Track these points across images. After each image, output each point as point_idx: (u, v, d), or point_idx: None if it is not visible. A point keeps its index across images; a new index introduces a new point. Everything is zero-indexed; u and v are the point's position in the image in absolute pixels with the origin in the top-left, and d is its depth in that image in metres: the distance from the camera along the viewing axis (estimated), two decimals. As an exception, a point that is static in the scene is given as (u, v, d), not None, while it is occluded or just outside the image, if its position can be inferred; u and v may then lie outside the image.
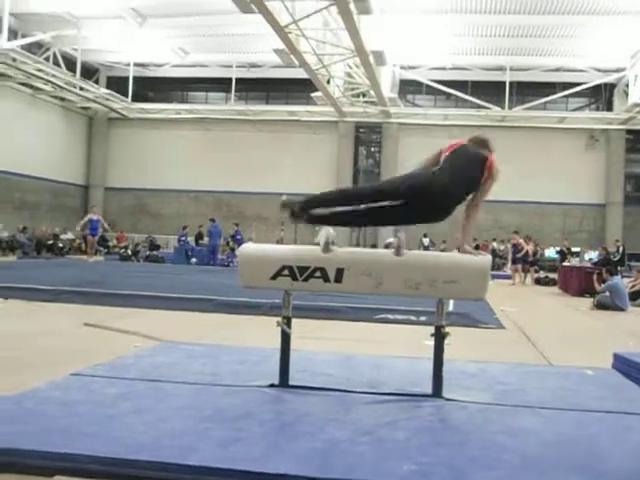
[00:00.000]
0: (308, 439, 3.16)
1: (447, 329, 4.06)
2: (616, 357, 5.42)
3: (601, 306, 12.80)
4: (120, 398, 3.79)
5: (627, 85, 27.14)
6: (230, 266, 21.90)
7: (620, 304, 12.73)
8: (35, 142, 27.85)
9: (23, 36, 25.26)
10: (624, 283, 13.86)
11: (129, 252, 25.63)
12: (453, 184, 3.91)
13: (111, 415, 3.43)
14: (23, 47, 24.42)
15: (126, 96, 29.59)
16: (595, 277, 14.61)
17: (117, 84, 30.84)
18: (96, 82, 30.79)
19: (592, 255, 22.80)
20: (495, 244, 27.58)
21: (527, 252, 20.22)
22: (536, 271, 21.66)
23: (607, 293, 13.08)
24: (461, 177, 3.99)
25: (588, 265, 17.99)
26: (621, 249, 20.37)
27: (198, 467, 2.77)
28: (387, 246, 4.09)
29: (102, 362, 4.84)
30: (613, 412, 3.86)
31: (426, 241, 27.87)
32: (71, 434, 3.09)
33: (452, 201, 3.94)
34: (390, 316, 9.31)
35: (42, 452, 2.84)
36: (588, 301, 13.66)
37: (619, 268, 17.08)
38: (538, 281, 20.72)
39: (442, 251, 23.12)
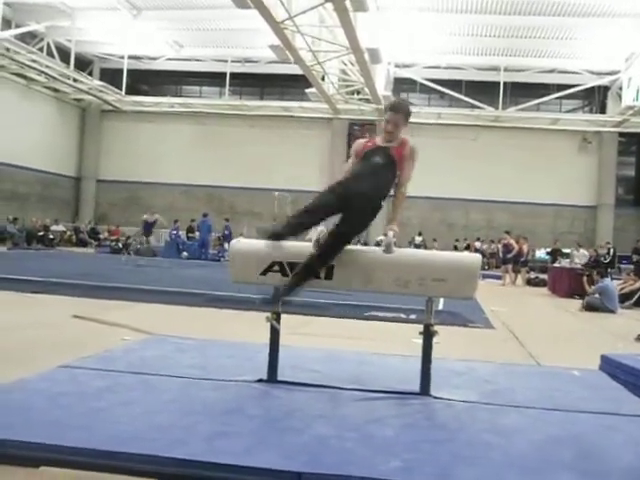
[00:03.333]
0: (295, 434, 3.17)
1: (436, 328, 4.07)
2: (603, 359, 5.45)
3: (590, 308, 12.84)
4: (108, 391, 3.79)
5: (620, 88, 27.26)
6: (221, 261, 21.90)
7: (610, 306, 12.77)
8: (28, 133, 27.73)
9: (17, 26, 25.16)
10: (614, 285, 13.91)
11: (120, 245, 25.57)
12: None
13: (98, 407, 3.43)
14: (17, 37, 24.39)
15: (120, 88, 29.51)
16: (585, 279, 14.66)
17: (111, 76, 30.75)
18: (90, 74, 30.69)
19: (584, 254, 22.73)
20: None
21: (519, 252, 20.24)
22: (527, 272, 21.72)
23: (597, 295, 13.12)
24: None
25: (578, 266, 18.04)
26: (612, 251, 20.46)
27: (185, 460, 2.78)
28: (378, 244, 4.11)
29: (90, 354, 4.83)
30: (599, 412, 3.88)
31: (418, 239, 27.94)
32: (58, 426, 3.08)
33: None
34: (380, 314, 9.34)
35: (28, 443, 2.84)
36: (577, 302, 13.71)
37: (609, 270, 17.16)
38: (529, 282, 20.77)
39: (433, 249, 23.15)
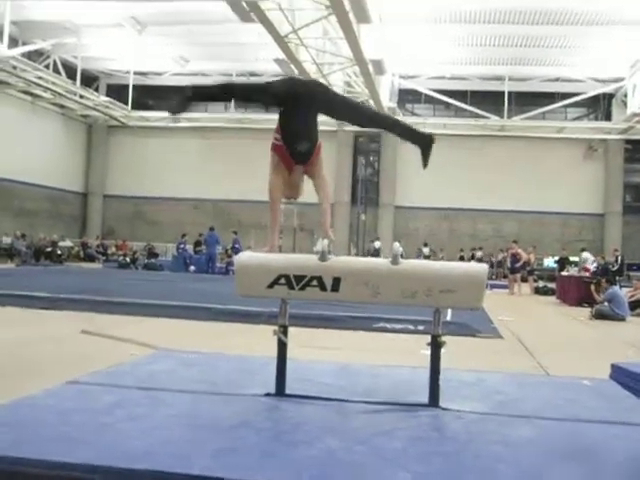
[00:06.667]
0: (304, 448, 3.15)
1: (444, 338, 4.05)
2: (613, 367, 5.41)
3: (600, 316, 12.78)
4: (116, 406, 3.78)
5: (625, 95, 27.25)
6: (230, 274, 21.89)
7: (621, 312, 12.71)
8: (35, 149, 27.89)
9: (23, 44, 25.33)
10: (624, 292, 13.86)
11: (127, 260, 25.63)
12: None
13: (106, 423, 3.42)
14: (23, 55, 24.53)
15: (126, 104, 29.65)
16: (593, 287, 14.61)
17: (117, 92, 30.91)
18: (96, 90, 30.88)
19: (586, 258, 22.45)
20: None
21: (527, 261, 20.23)
22: (535, 280, 21.65)
23: (606, 303, 13.06)
24: None
25: (586, 275, 17.97)
26: (620, 259, 20.37)
27: (194, 476, 2.76)
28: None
29: (99, 370, 4.83)
30: (610, 422, 3.85)
31: (426, 250, 27.91)
32: (67, 442, 3.07)
33: None
34: (388, 325, 9.31)
35: (37, 460, 2.83)
36: (586, 311, 13.65)
37: (617, 278, 17.09)
38: (537, 290, 20.71)
39: (440, 260, 23.17)
